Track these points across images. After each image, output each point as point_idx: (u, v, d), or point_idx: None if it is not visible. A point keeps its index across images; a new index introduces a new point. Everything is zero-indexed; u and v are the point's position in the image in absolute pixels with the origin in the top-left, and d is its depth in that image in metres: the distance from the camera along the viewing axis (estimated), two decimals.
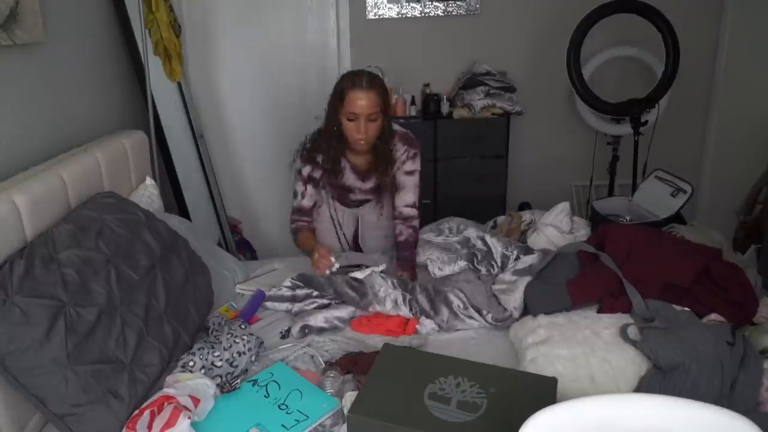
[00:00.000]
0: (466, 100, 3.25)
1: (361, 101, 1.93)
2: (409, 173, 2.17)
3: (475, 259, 2.19)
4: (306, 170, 2.18)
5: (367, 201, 2.31)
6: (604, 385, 1.53)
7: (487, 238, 2.24)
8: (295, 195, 2.24)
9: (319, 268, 2.09)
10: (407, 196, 2.19)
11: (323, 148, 2.12)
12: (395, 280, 2.03)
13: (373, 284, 1.99)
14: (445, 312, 1.91)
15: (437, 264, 2.16)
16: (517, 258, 2.14)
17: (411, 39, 3.40)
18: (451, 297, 1.94)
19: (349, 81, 1.97)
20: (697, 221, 2.59)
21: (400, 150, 2.14)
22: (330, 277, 2.05)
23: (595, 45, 3.19)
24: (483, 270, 2.16)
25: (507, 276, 2.04)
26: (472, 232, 2.31)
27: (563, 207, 2.47)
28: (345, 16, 3.29)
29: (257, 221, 3.61)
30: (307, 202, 2.23)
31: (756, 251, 2.56)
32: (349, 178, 2.19)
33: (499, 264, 2.17)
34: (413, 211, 2.20)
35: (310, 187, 2.21)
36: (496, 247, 2.20)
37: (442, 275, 2.15)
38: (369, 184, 2.21)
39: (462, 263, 2.16)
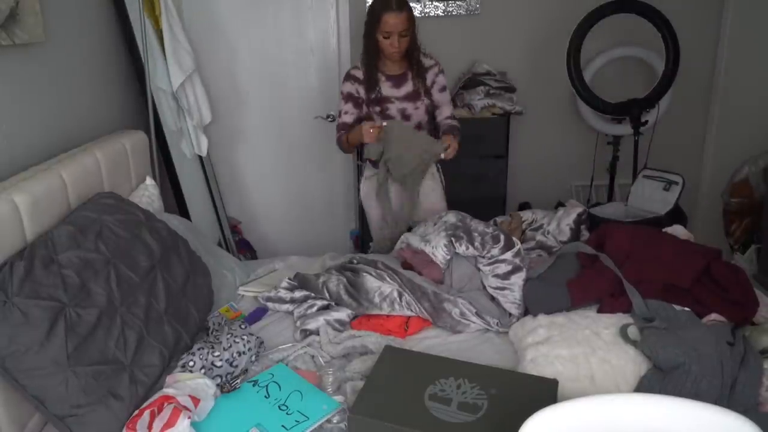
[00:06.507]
0: (466, 100, 3.24)
1: (394, 21, 2.26)
2: (443, 89, 2.49)
3: (453, 238, 2.11)
4: (346, 87, 2.44)
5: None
6: (604, 385, 1.53)
7: (467, 219, 2.20)
8: (339, 114, 2.49)
9: (368, 134, 2.28)
10: (445, 110, 2.51)
11: (361, 63, 2.43)
12: (389, 273, 2.03)
13: (368, 291, 1.99)
14: (447, 319, 1.92)
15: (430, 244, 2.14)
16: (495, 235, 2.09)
17: None
18: (452, 308, 1.93)
19: (381, 5, 2.29)
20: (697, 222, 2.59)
21: (428, 62, 2.46)
22: (325, 281, 2.07)
23: (595, 45, 3.19)
24: (463, 248, 2.08)
25: (496, 268, 2.00)
26: (450, 216, 2.24)
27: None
28: (345, 16, 3.29)
29: (257, 221, 3.60)
30: (348, 118, 2.46)
31: (756, 251, 2.56)
32: (385, 87, 2.43)
33: (480, 240, 2.08)
34: (452, 122, 2.50)
35: (350, 105, 2.45)
36: (476, 226, 2.13)
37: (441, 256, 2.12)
38: (403, 91, 2.43)
39: (443, 236, 2.11)
